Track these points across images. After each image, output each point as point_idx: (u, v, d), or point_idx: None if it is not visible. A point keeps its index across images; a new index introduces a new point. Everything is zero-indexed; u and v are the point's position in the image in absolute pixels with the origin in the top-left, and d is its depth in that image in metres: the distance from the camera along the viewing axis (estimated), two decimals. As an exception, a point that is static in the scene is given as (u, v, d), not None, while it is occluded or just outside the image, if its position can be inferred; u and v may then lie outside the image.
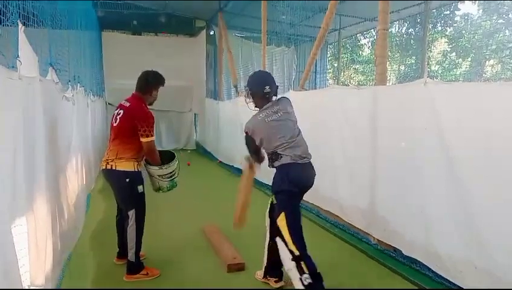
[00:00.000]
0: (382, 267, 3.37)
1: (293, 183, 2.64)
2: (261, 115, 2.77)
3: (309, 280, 2.45)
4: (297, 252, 2.53)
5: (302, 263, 2.50)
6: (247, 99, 2.91)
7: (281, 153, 2.68)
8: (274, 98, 2.86)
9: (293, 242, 2.55)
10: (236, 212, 2.99)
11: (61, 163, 3.21)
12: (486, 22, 8.89)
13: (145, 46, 10.66)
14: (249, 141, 2.86)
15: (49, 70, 2.88)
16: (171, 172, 3.21)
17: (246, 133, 2.85)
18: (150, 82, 3.14)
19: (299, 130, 2.83)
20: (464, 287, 2.71)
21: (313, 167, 2.79)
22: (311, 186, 2.78)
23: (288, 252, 2.56)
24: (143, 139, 2.95)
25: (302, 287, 2.47)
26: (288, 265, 2.57)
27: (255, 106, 2.92)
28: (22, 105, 1.99)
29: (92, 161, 5.97)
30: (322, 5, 6.99)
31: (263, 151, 2.88)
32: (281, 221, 2.62)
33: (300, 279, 2.48)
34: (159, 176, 3.17)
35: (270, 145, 2.73)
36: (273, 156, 2.73)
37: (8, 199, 1.76)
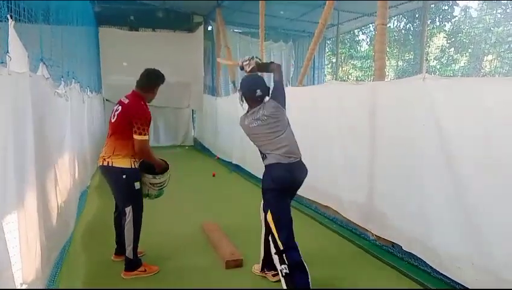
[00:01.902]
0: (380, 263, 3.37)
1: (276, 182, 2.70)
2: (246, 120, 2.85)
3: (286, 270, 2.56)
4: (281, 247, 2.63)
5: (284, 255, 2.60)
6: (241, 102, 2.98)
7: (265, 153, 2.78)
8: (267, 98, 2.88)
9: (279, 238, 2.65)
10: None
11: (52, 159, 3.18)
12: (486, 16, 8.87)
13: (143, 41, 10.61)
14: None
15: (40, 66, 2.85)
16: (162, 182, 3.23)
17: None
18: (152, 81, 3.12)
19: (287, 128, 2.81)
20: (462, 283, 2.71)
21: (302, 165, 2.81)
22: (299, 185, 2.82)
23: (273, 247, 2.69)
24: (135, 137, 2.92)
25: (282, 278, 2.59)
26: (274, 259, 2.68)
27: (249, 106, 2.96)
28: (11, 101, 1.97)
29: (89, 157, 5.95)
30: (320, 1, 6.96)
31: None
32: (269, 219, 2.71)
33: (280, 270, 2.61)
34: (150, 184, 3.17)
35: (256, 144, 2.86)
36: (261, 155, 2.84)
37: None
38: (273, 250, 2.70)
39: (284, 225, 2.69)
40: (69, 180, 4.06)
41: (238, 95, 2.97)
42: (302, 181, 2.83)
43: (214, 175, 6.43)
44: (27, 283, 2.09)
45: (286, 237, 2.66)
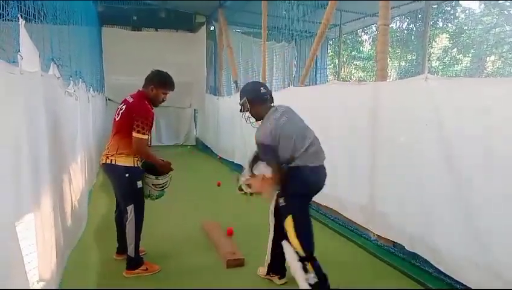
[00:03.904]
0: (381, 263, 3.38)
1: (306, 187, 2.62)
2: (271, 118, 2.65)
3: (315, 279, 2.47)
4: (303, 254, 2.53)
5: (307, 263, 2.51)
6: (246, 114, 2.81)
7: (294, 155, 2.59)
8: (272, 104, 2.78)
9: (300, 245, 2.54)
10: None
11: (66, 159, 3.20)
12: (487, 17, 8.86)
13: (145, 41, 10.64)
14: (267, 150, 2.62)
15: (51, 66, 2.86)
16: (164, 183, 3.25)
17: (262, 144, 2.62)
18: (147, 79, 3.12)
19: (311, 131, 2.75)
20: (464, 283, 2.72)
21: (324, 168, 2.71)
22: (321, 189, 2.72)
23: (294, 253, 2.56)
24: (134, 134, 2.90)
25: (308, 287, 2.47)
26: (294, 266, 2.56)
27: (256, 119, 2.82)
28: (23, 101, 1.98)
29: (93, 156, 5.98)
30: (322, 1, 6.96)
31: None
32: (289, 224, 2.58)
33: (306, 279, 2.49)
34: (153, 185, 3.19)
35: (283, 146, 2.59)
36: (286, 160, 2.63)
37: (11, 197, 1.75)
38: (294, 257, 2.55)
39: (307, 231, 2.62)
40: (81, 179, 4.09)
41: (241, 109, 2.81)
42: (323, 186, 2.72)
43: (219, 185, 6.38)
44: (44, 280, 2.11)
45: (308, 244, 2.58)
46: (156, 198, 3.29)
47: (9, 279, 1.67)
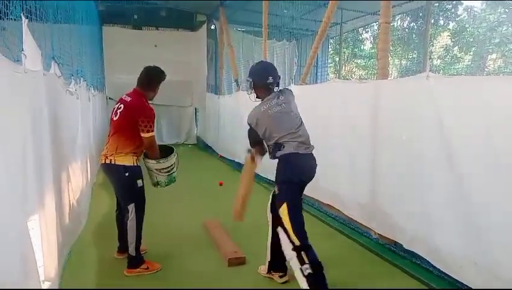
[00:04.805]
0: (383, 262, 3.37)
1: (295, 173, 2.64)
2: (264, 106, 2.75)
3: (309, 270, 2.46)
4: (298, 242, 2.54)
5: (302, 253, 2.51)
6: (249, 91, 2.91)
7: (283, 142, 2.67)
8: (276, 88, 2.83)
9: (294, 232, 2.55)
10: (236, 205, 2.98)
11: (66, 158, 3.20)
12: (490, 15, 8.82)
13: (146, 40, 10.62)
14: (253, 133, 2.84)
15: (52, 64, 2.86)
16: (168, 166, 3.20)
17: (250, 125, 2.83)
18: (153, 79, 3.14)
19: (301, 120, 2.82)
20: (464, 282, 2.71)
21: (314, 158, 2.78)
22: (312, 177, 2.77)
23: (289, 242, 2.57)
24: (143, 135, 2.94)
25: (303, 278, 2.48)
26: (289, 255, 2.58)
27: (257, 97, 2.92)
28: (28, 100, 1.98)
29: (94, 155, 5.99)
30: (323, 0, 6.95)
31: (264, 142, 2.88)
32: (283, 211, 2.60)
33: (301, 269, 2.49)
34: (156, 169, 3.16)
35: (272, 136, 2.72)
36: (276, 147, 2.71)
37: (20, 195, 1.76)
38: (289, 246, 2.56)
39: (300, 218, 2.63)
40: (81, 178, 4.09)
41: (246, 84, 2.90)
42: (314, 174, 2.77)
43: (221, 184, 6.37)
44: (48, 280, 2.12)
45: (301, 231, 2.58)
46: (166, 185, 3.27)
47: (26, 279, 1.68)
